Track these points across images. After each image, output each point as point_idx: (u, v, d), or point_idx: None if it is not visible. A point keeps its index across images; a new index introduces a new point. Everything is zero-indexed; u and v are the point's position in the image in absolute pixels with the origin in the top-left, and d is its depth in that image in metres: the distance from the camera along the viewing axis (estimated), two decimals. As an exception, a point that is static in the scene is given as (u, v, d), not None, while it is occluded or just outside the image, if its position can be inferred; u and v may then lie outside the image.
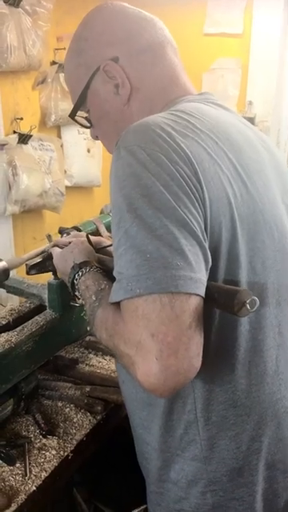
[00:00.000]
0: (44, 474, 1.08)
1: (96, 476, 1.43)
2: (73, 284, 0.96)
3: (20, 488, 1.05)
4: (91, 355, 1.53)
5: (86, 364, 1.48)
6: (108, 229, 1.49)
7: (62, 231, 1.41)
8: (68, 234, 1.38)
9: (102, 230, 1.45)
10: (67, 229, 1.40)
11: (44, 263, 1.23)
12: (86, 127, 1.01)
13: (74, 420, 1.25)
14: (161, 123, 0.78)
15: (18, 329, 1.21)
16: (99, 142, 2.22)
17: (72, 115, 0.98)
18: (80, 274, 0.95)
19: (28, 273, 1.24)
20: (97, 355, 1.53)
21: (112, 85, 0.91)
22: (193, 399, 0.83)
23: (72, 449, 1.16)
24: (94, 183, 2.10)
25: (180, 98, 0.90)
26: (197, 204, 0.73)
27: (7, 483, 1.05)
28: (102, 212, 1.61)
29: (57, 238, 1.41)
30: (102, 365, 1.48)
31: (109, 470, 1.43)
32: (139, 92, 0.91)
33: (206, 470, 0.86)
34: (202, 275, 0.71)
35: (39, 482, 1.06)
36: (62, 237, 1.39)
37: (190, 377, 0.70)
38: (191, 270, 0.69)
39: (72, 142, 1.96)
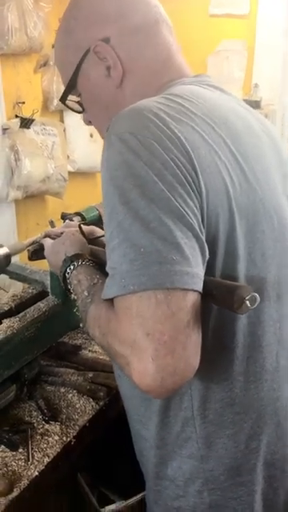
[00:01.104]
0: (46, 460, 1.09)
1: (101, 461, 1.43)
2: (64, 278, 0.93)
3: (22, 473, 1.05)
4: (94, 342, 1.52)
5: (89, 350, 1.48)
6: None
7: (64, 217, 1.40)
8: (71, 219, 1.37)
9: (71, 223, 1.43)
10: (70, 214, 1.39)
11: (43, 250, 1.22)
12: (78, 112, 0.97)
13: (77, 406, 1.25)
14: (153, 108, 0.74)
15: (21, 315, 1.20)
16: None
17: (63, 99, 0.94)
18: (72, 267, 0.91)
19: (30, 258, 1.23)
20: (100, 341, 1.52)
21: (103, 67, 0.87)
22: (189, 396, 0.81)
23: (74, 434, 1.16)
24: (96, 169, 2.08)
25: (175, 81, 0.86)
26: (192, 194, 0.69)
27: (10, 468, 1.06)
28: (105, 197, 1.60)
29: (60, 223, 1.40)
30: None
31: (114, 455, 1.43)
32: (132, 74, 0.87)
33: (202, 468, 0.84)
34: (199, 270, 0.68)
35: (41, 468, 1.07)
36: (64, 222, 1.38)
37: (187, 377, 0.67)
38: (188, 264, 0.66)
39: (74, 127, 1.93)
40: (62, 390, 1.30)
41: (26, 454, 1.10)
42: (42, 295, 1.33)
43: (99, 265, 0.91)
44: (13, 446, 1.10)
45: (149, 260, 0.65)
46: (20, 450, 1.10)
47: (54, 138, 1.79)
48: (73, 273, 0.90)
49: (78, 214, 1.40)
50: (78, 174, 2.02)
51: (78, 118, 1.96)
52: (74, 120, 1.93)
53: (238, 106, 0.87)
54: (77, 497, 1.35)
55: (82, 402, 1.26)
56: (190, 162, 0.70)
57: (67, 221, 1.32)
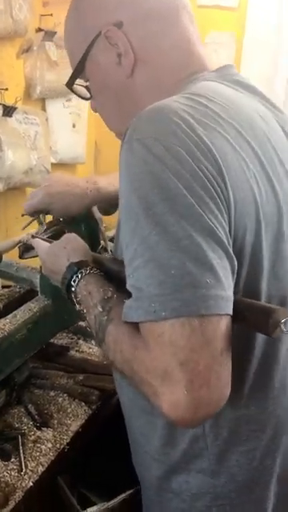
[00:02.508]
0: (41, 469, 1.03)
1: (78, 461, 1.39)
2: (69, 286, 0.83)
3: (16, 484, 0.99)
4: (81, 341, 1.47)
5: (76, 350, 1.42)
6: (101, 208, 1.43)
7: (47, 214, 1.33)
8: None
9: (97, 214, 1.38)
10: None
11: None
12: (85, 99, 0.91)
13: (69, 410, 1.19)
14: (178, 110, 0.67)
15: (10, 316, 1.14)
16: (84, 116, 2.11)
17: (69, 84, 0.87)
18: (79, 275, 0.81)
19: (21, 256, 1.17)
20: (86, 341, 1.47)
21: (114, 54, 0.80)
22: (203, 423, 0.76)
23: (68, 441, 1.11)
24: (78, 160, 2.02)
25: (195, 76, 0.79)
26: (222, 207, 0.64)
27: (3, 480, 1.00)
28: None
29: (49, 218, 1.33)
30: (92, 351, 1.43)
31: (92, 454, 1.39)
32: (145, 64, 0.80)
33: (213, 484, 0.80)
34: (231, 292, 0.63)
35: (36, 478, 1.01)
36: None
37: (220, 407, 0.62)
38: (221, 287, 0.61)
39: (57, 116, 1.86)
40: (52, 393, 1.24)
41: (18, 463, 1.04)
42: (30, 294, 1.26)
43: (105, 273, 0.83)
44: (4, 456, 1.04)
45: (181, 283, 0.60)
46: (12, 460, 1.04)
47: (36, 128, 1.71)
48: (81, 282, 0.81)
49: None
50: (59, 166, 1.95)
51: (61, 106, 1.90)
52: (56, 109, 1.86)
53: (261, 105, 0.82)
54: (56, 500, 1.30)
55: (73, 406, 1.21)
56: (219, 171, 0.65)
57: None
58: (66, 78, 0.88)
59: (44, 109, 1.85)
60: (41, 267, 1.22)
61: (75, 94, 0.90)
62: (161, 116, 0.67)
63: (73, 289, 0.82)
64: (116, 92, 0.84)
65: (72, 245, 0.91)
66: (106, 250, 1.26)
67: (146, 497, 0.95)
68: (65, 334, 1.48)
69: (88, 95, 0.90)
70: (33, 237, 1.08)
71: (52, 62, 1.73)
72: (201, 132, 0.66)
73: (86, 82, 0.88)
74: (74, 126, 1.92)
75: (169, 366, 0.60)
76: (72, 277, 0.82)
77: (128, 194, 0.65)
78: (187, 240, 0.61)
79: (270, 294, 0.74)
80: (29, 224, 1.18)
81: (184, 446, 0.80)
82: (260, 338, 0.75)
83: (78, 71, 0.85)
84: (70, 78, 0.87)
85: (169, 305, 0.60)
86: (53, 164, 1.84)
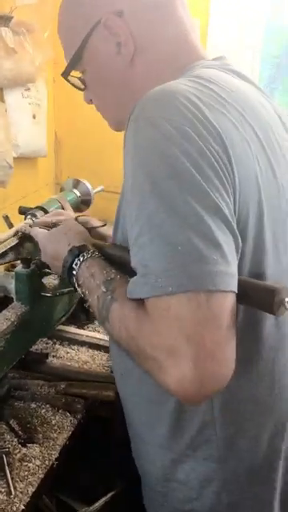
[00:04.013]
0: (31, 490, 0.97)
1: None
2: (70, 270, 0.84)
3: (7, 509, 0.92)
4: (57, 346, 1.41)
5: (54, 356, 1.36)
6: (73, 206, 1.36)
7: (25, 212, 1.25)
8: (33, 215, 1.23)
9: (69, 209, 1.31)
10: (31, 209, 1.25)
11: (18, 247, 1.08)
12: (80, 89, 0.90)
13: (53, 422, 1.13)
14: (185, 92, 0.68)
15: (-14, 327, 1.06)
16: (44, 106, 2.01)
17: (65, 74, 0.87)
18: (81, 258, 0.83)
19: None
20: (63, 345, 1.41)
21: (113, 43, 0.81)
22: (209, 399, 0.77)
23: (57, 456, 1.05)
24: (40, 153, 1.91)
25: (192, 64, 0.80)
26: (228, 186, 0.65)
27: (-9, 505, 0.93)
28: (62, 189, 1.47)
29: (18, 219, 1.25)
30: (70, 356, 1.37)
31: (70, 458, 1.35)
32: (145, 54, 0.81)
33: (221, 469, 0.82)
34: (236, 269, 0.64)
35: (27, 500, 0.95)
36: (25, 219, 1.24)
37: (225, 382, 0.63)
38: (227, 264, 0.62)
39: (16, 107, 1.74)
40: (33, 405, 1.18)
41: (5, 485, 0.97)
42: (5, 302, 1.18)
43: (105, 258, 0.83)
44: (-9, 479, 0.97)
45: (188, 259, 0.61)
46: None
47: (-5, 120, 1.60)
48: (83, 264, 0.82)
49: (39, 207, 1.26)
50: (20, 160, 1.84)
51: (20, 97, 1.79)
52: (14, 99, 1.75)
53: (259, 94, 0.83)
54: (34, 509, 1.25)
55: (57, 417, 1.15)
56: (225, 151, 0.66)
57: (55, 210, 1.19)
58: (25, 66, 0.86)
59: (2, 99, 1.73)
60: (15, 272, 1.15)
61: (71, 83, 0.89)
62: (168, 97, 0.68)
63: (74, 272, 0.83)
64: (114, 81, 0.84)
65: (72, 230, 0.92)
66: None
67: (147, 490, 0.95)
68: (40, 339, 1.40)
69: (82, 86, 0.89)
70: (30, 226, 1.08)
71: (9, 49, 1.61)
72: (207, 113, 0.67)
73: (82, 72, 0.87)
74: (34, 117, 1.81)
75: (175, 341, 0.60)
76: (74, 260, 0.83)
77: (135, 172, 0.66)
78: (194, 217, 0.62)
79: (272, 274, 0.75)
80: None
81: (192, 433, 0.81)
82: (267, 322, 0.76)
83: (76, 60, 0.85)
84: (67, 67, 0.86)
85: (176, 280, 0.60)
86: (14, 158, 1.73)
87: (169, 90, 0.69)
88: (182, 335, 0.60)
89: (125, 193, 0.71)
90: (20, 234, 1.11)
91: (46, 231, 0.99)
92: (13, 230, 1.11)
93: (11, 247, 1.10)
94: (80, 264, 0.82)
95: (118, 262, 0.79)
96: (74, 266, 0.83)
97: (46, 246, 0.96)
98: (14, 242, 1.10)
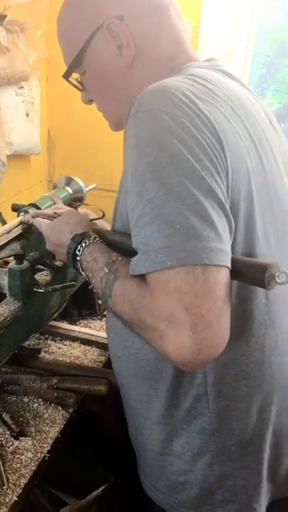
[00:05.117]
0: (23, 481, 0.99)
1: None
2: (74, 256, 0.88)
3: (0, 500, 0.94)
4: (49, 341, 1.42)
5: (45, 351, 1.38)
6: (65, 204, 1.38)
7: (17, 209, 1.27)
8: (26, 212, 1.25)
9: (61, 205, 1.33)
10: (24, 206, 1.27)
11: (21, 238, 1.11)
12: (79, 90, 0.95)
13: (45, 416, 1.15)
14: (181, 87, 0.74)
15: (-21, 323, 1.07)
16: (37, 104, 2.02)
17: (66, 76, 0.92)
18: (83, 244, 0.88)
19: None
20: (55, 341, 1.43)
21: (115, 45, 0.86)
22: (202, 373, 0.82)
23: (49, 449, 1.07)
24: (33, 151, 1.92)
25: (185, 64, 0.86)
26: (221, 172, 0.71)
27: (-16, 497, 0.95)
28: (55, 187, 1.48)
29: (10, 216, 1.27)
30: (62, 351, 1.39)
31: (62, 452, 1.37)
32: (143, 55, 0.86)
33: (214, 441, 0.86)
34: (229, 247, 0.70)
35: (19, 491, 0.97)
36: (18, 216, 1.26)
37: (220, 350, 0.68)
38: (221, 241, 0.68)
39: (9, 105, 1.75)
40: (26, 399, 1.19)
41: (-2, 477, 0.99)
42: (-4, 297, 1.19)
43: (106, 243, 0.88)
44: (-17, 471, 0.98)
45: (185, 236, 0.66)
46: (-8, 474, 0.99)
47: (-11, 118, 1.61)
48: (85, 250, 0.87)
49: (32, 204, 1.28)
50: (13, 157, 1.85)
51: (13, 95, 1.80)
52: (8, 97, 1.75)
53: (248, 93, 0.89)
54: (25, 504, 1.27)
55: (49, 411, 1.16)
56: (218, 141, 0.72)
57: (33, 208, 1.23)
58: (19, 65, 0.90)
59: (-5, 97, 1.74)
60: (8, 268, 1.16)
61: (72, 85, 0.94)
62: (165, 92, 0.73)
63: (78, 258, 0.88)
64: (114, 82, 0.89)
65: (74, 219, 0.96)
66: None
67: (144, 465, 0.99)
68: (33, 335, 1.42)
69: (81, 87, 0.94)
70: (33, 217, 1.12)
71: (3, 47, 1.62)
72: (201, 106, 0.73)
73: (82, 73, 0.92)
74: (27, 115, 1.82)
75: (174, 310, 0.65)
76: (77, 247, 0.88)
77: (135, 161, 0.70)
78: (191, 199, 0.67)
79: (263, 256, 0.80)
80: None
81: (187, 406, 0.85)
82: (258, 300, 0.81)
83: (77, 62, 0.89)
84: (68, 69, 0.91)
85: (174, 255, 0.66)
86: (7, 156, 1.74)
87: (166, 85, 0.74)
88: (181, 305, 0.65)
89: (124, 184, 0.75)
90: (24, 224, 1.14)
91: (49, 221, 1.04)
92: (17, 220, 1.14)
93: (16, 237, 1.13)
94: (83, 250, 0.87)
95: (119, 248, 0.84)
96: (77, 252, 0.88)
97: (50, 235, 1.00)
98: (17, 231, 1.13)
